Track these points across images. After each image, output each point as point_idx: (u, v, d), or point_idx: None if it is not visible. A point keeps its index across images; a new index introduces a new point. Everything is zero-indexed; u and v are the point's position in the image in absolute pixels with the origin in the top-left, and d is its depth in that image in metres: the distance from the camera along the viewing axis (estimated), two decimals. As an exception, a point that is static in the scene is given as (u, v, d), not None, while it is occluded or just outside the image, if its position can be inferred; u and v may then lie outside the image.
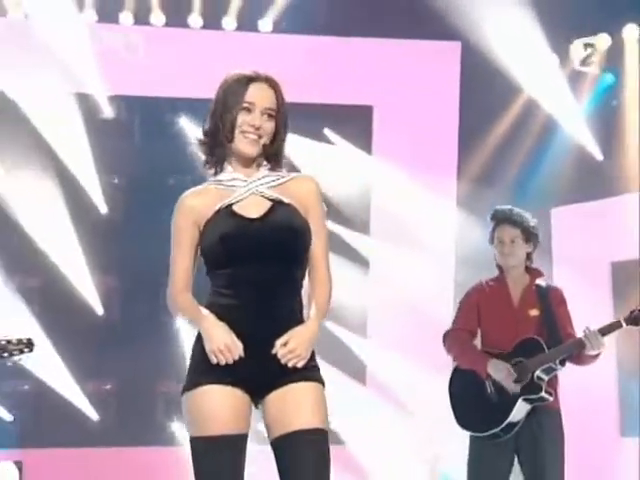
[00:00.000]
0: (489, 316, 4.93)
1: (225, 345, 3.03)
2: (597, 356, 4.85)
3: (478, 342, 5.00)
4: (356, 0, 7.71)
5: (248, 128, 3.14)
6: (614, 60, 7.90)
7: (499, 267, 5.01)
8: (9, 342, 4.94)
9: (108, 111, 7.92)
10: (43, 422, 7.65)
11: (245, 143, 3.15)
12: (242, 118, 3.14)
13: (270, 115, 3.16)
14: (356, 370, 7.96)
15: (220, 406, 3.04)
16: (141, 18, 7.81)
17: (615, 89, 7.95)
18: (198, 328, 3.12)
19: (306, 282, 3.20)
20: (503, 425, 4.77)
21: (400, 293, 7.75)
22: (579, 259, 7.63)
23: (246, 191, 3.15)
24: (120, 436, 7.73)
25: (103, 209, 7.90)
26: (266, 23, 7.94)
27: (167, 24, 7.85)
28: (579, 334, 4.84)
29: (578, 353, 4.81)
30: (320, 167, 7.96)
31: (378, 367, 7.94)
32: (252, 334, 3.06)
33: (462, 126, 8.11)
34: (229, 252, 3.08)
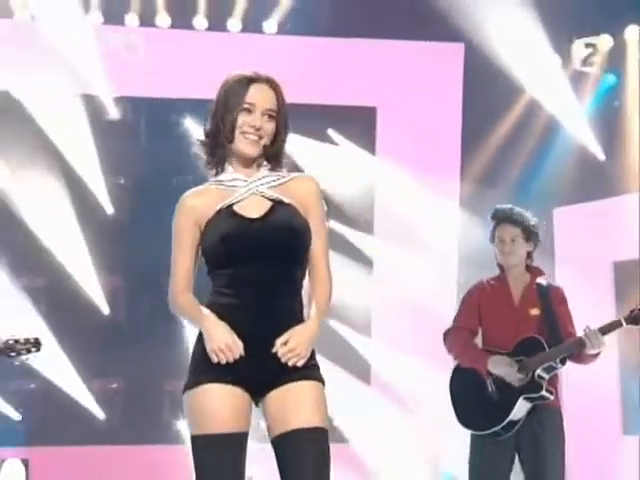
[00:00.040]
0: (490, 315, 4.93)
1: (226, 344, 3.04)
2: (597, 355, 4.85)
3: (479, 341, 5.01)
4: (360, 2, 7.71)
5: (249, 129, 3.15)
6: (616, 61, 7.90)
7: (500, 266, 5.01)
8: (17, 342, 4.96)
9: (114, 112, 7.93)
10: (50, 420, 7.66)
11: (246, 144, 3.15)
12: (243, 119, 3.15)
13: (271, 116, 3.17)
14: (360, 369, 7.97)
15: (221, 405, 3.05)
16: (147, 20, 7.83)
17: (617, 90, 7.96)
18: (199, 327, 3.12)
19: (306, 282, 3.20)
20: (504, 423, 4.77)
21: (404, 292, 7.75)
22: (581, 259, 7.63)
23: (247, 191, 3.15)
24: (126, 434, 7.75)
25: (109, 209, 7.91)
26: (271, 25, 7.95)
27: (172, 26, 7.86)
28: (580, 333, 4.84)
29: (578, 352, 4.81)
30: (324, 167, 7.97)
31: (382, 366, 7.95)
32: (252, 333, 3.06)
33: (465, 127, 8.11)
34: (230, 252, 3.09)
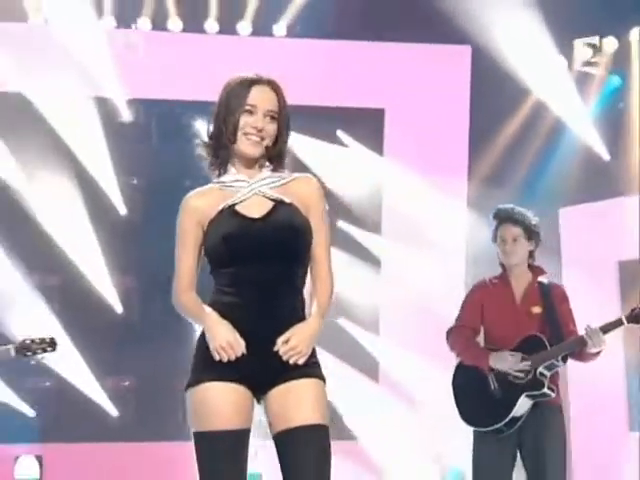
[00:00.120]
0: (492, 313, 4.93)
1: (228, 342, 3.05)
2: (598, 353, 4.84)
3: (481, 339, 5.02)
4: (368, 5, 7.72)
5: (251, 130, 3.15)
6: (621, 63, 7.89)
7: (502, 265, 5.01)
8: (32, 341, 4.98)
9: (126, 114, 7.95)
10: (63, 418, 7.68)
11: (248, 144, 3.16)
12: (245, 120, 3.15)
13: (272, 117, 3.17)
14: (369, 367, 7.98)
15: (223, 402, 3.05)
16: (159, 24, 7.85)
17: (622, 91, 7.95)
18: (202, 326, 3.13)
19: (309, 280, 3.20)
20: (506, 420, 4.77)
21: (411, 291, 7.75)
22: (587, 258, 7.63)
23: (249, 191, 3.16)
24: (139, 431, 7.77)
25: (122, 210, 7.94)
26: (280, 28, 7.96)
27: (184, 29, 7.88)
28: (582, 331, 4.85)
29: (580, 350, 4.81)
30: (333, 168, 7.98)
31: (391, 364, 7.96)
32: (254, 332, 3.07)
33: (472, 128, 8.11)
34: (231, 252, 3.09)
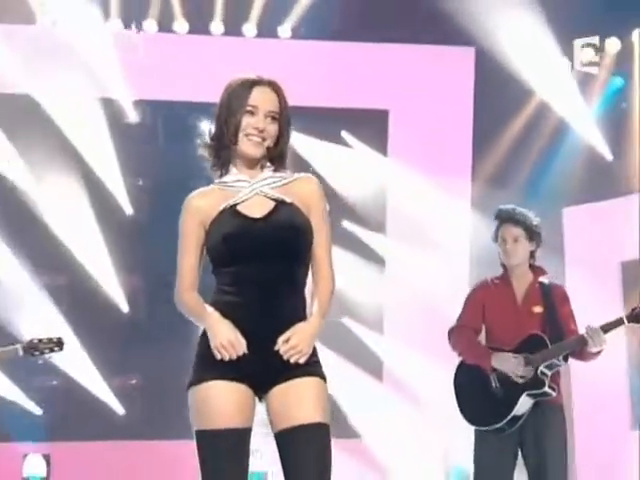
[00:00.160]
0: (493, 313, 4.93)
1: (229, 341, 3.05)
2: (599, 353, 4.84)
3: (482, 339, 5.02)
4: (373, 7, 7.72)
5: (252, 131, 3.16)
6: (623, 64, 7.89)
7: (503, 265, 5.01)
8: (40, 341, 5.00)
9: (132, 115, 7.97)
10: (71, 416, 7.69)
11: (249, 145, 3.16)
12: (246, 121, 3.16)
13: (273, 118, 3.17)
14: (373, 366, 7.98)
15: (225, 401, 3.06)
16: (165, 26, 7.87)
17: (624, 92, 7.94)
18: (203, 325, 3.14)
19: (310, 280, 3.20)
20: (507, 419, 4.77)
21: (415, 291, 7.75)
22: (590, 258, 7.63)
23: (250, 191, 3.16)
24: (145, 430, 7.77)
25: (128, 210, 7.95)
26: (285, 29, 7.96)
27: (190, 31, 7.89)
28: (582, 331, 4.85)
29: (580, 349, 4.82)
30: (337, 169, 8.00)
31: (394, 363, 7.96)
32: (255, 331, 3.08)
33: (476, 129, 8.11)
34: (232, 251, 3.10)
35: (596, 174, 7.81)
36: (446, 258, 7.78)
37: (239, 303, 3.10)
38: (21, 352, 4.99)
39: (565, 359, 4.85)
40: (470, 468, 5.02)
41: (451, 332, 5.03)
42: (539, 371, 4.79)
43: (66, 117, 7.74)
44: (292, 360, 3.07)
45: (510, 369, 4.79)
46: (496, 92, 7.76)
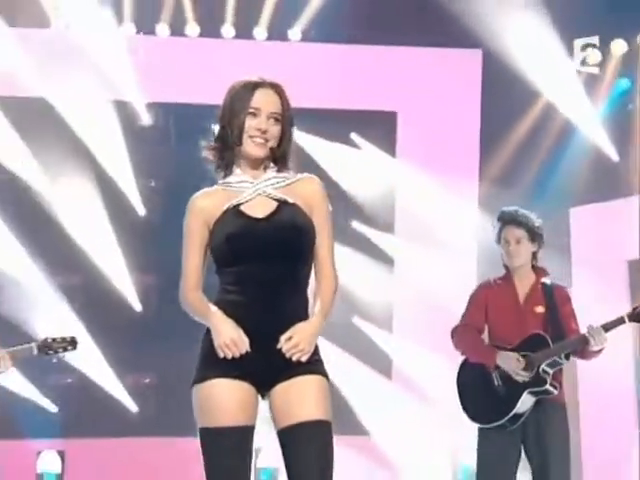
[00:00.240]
0: (496, 313, 4.93)
1: (232, 340, 3.06)
2: (600, 351, 4.83)
3: (485, 338, 5.02)
4: (381, 10, 7.71)
5: (255, 132, 3.16)
6: (630, 65, 7.87)
7: (505, 266, 5.02)
8: (54, 340, 5.01)
9: (145, 118, 7.98)
10: (85, 413, 7.70)
11: (253, 146, 3.17)
12: (249, 123, 3.16)
13: (276, 119, 3.18)
14: (382, 364, 7.98)
15: (228, 399, 3.06)
16: (177, 29, 7.88)
17: (631, 93, 7.92)
18: (207, 324, 3.14)
19: (312, 279, 3.19)
20: (509, 416, 4.77)
21: (424, 290, 7.75)
22: (596, 257, 7.61)
23: (253, 192, 3.17)
24: (158, 427, 7.78)
25: (141, 211, 7.96)
26: (295, 33, 7.97)
27: (201, 35, 7.90)
28: (584, 331, 4.85)
29: (582, 348, 4.81)
30: (347, 170, 8.00)
31: (403, 361, 7.96)
32: (258, 330, 3.08)
33: (483, 130, 8.10)
34: (235, 251, 3.10)
35: (602, 174, 7.79)
36: (454, 257, 7.78)
37: (242, 302, 3.11)
38: (35, 351, 4.99)
39: (567, 358, 4.84)
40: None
41: (454, 331, 5.03)
42: (541, 369, 4.79)
43: (80, 119, 7.75)
44: (294, 358, 3.07)
45: (512, 367, 4.79)
46: (503, 94, 7.74)
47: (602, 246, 7.67)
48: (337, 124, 7.91)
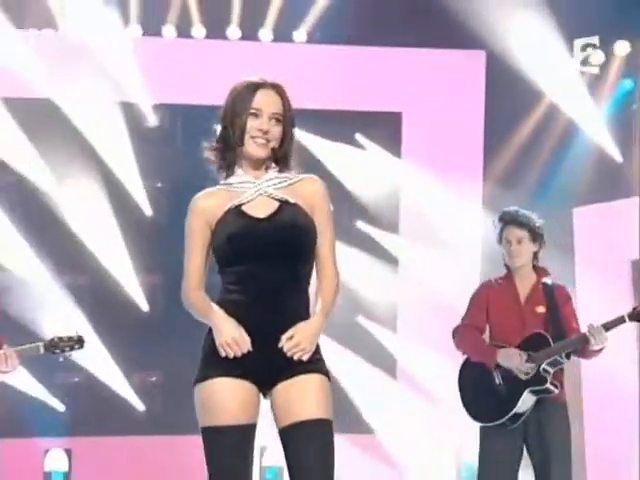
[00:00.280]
0: (497, 312, 4.93)
1: (233, 339, 3.06)
2: (601, 350, 4.83)
3: (486, 338, 5.02)
4: (386, 12, 7.71)
5: (257, 133, 3.17)
6: (633, 66, 7.86)
7: (507, 266, 5.02)
8: (61, 339, 5.01)
9: (152, 119, 7.99)
10: (92, 412, 7.71)
11: (255, 147, 3.18)
12: (250, 123, 3.17)
13: (277, 120, 3.18)
14: (387, 364, 7.98)
15: (229, 397, 3.07)
16: (183, 31, 7.89)
17: (634, 94, 7.91)
18: (209, 323, 3.15)
19: (314, 279, 3.19)
20: (509, 415, 4.77)
21: (428, 290, 7.74)
22: (600, 257, 7.61)
23: (255, 192, 3.17)
24: (165, 425, 7.79)
25: (147, 211, 7.97)
26: (300, 34, 7.97)
27: (207, 36, 7.91)
28: (584, 330, 4.85)
29: (582, 347, 4.81)
30: (352, 170, 8.01)
31: (408, 361, 7.96)
32: (259, 329, 3.08)
33: (487, 130, 8.09)
34: (236, 251, 3.11)
35: (606, 175, 7.78)
36: (458, 257, 7.78)
37: (244, 302, 3.11)
38: (42, 350, 5.00)
39: (567, 357, 4.84)
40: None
41: (455, 331, 5.03)
42: (541, 368, 4.79)
43: (86, 121, 7.76)
44: (295, 357, 3.08)
45: (514, 365, 4.79)
46: (507, 94, 7.74)
47: (605, 246, 7.66)
48: (342, 125, 7.92)
